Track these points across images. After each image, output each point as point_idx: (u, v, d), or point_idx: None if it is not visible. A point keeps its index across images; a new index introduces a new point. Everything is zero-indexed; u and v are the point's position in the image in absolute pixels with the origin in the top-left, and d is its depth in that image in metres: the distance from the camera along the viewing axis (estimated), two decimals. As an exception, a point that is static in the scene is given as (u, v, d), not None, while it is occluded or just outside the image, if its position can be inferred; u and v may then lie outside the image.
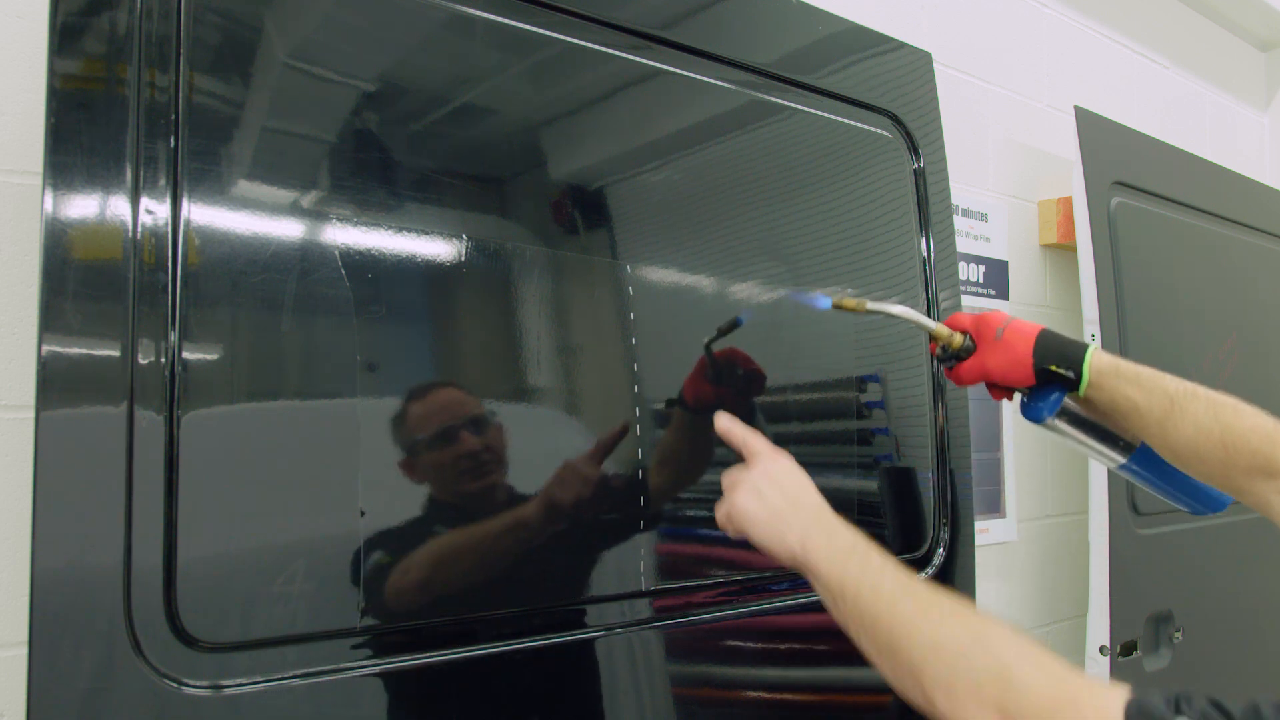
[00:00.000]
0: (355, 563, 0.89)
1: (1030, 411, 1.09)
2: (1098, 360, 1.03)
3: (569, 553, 1.07)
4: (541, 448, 1.05)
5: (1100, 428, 1.09)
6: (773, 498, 0.92)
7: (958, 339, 1.11)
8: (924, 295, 1.45)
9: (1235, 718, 0.63)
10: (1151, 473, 1.09)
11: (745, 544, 0.93)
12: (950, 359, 1.12)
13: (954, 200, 1.78)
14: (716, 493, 0.97)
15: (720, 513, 0.96)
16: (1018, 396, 1.12)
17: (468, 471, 0.99)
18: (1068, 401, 1.07)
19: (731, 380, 1.19)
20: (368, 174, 0.96)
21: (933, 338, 1.13)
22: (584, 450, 1.07)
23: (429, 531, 0.96)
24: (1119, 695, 0.66)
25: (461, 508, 0.99)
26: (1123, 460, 1.10)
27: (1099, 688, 0.69)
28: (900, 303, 1.22)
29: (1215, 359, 2.22)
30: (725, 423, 1.01)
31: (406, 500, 0.95)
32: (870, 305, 1.12)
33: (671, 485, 1.14)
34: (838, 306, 1.14)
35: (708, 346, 1.15)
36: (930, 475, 1.41)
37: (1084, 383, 1.03)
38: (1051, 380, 1.05)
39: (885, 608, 0.80)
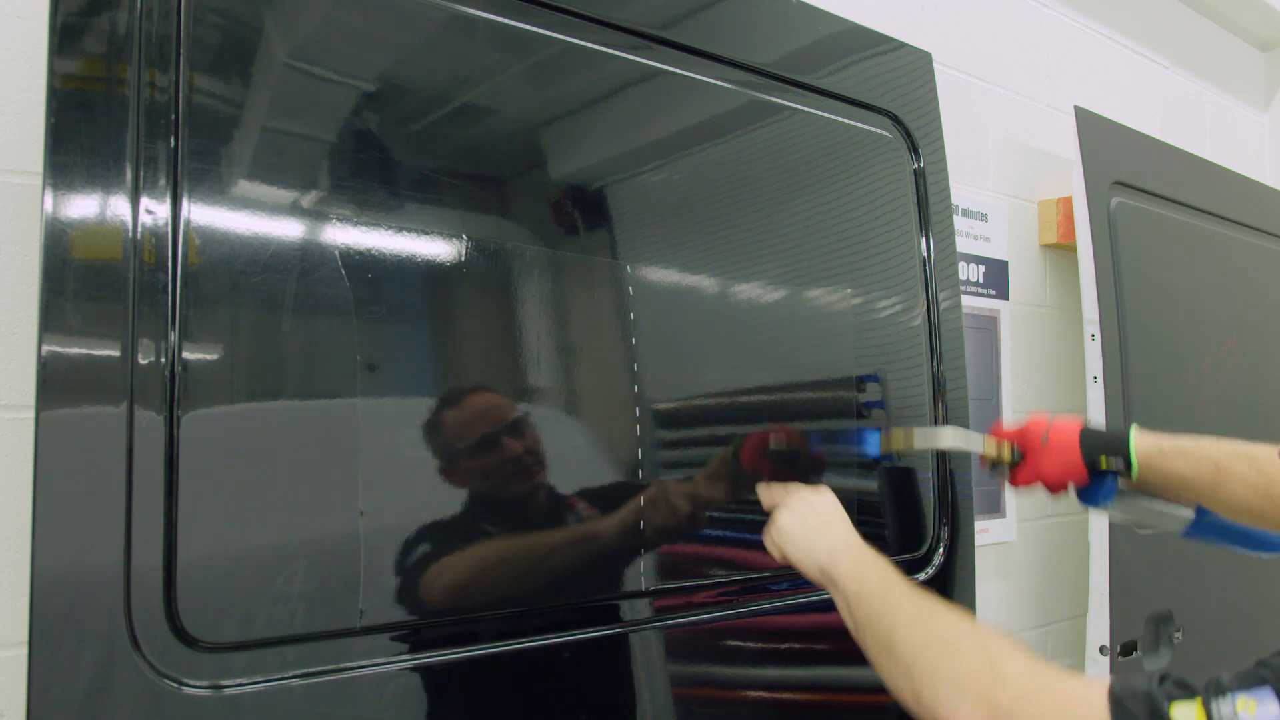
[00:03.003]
0: (354, 562, 0.89)
1: (1088, 500, 1.14)
2: (1142, 444, 1.09)
3: (579, 557, 1.07)
4: (552, 446, 1.05)
5: (1156, 502, 1.14)
6: (810, 519, 1.05)
7: (1006, 451, 1.16)
8: (924, 295, 1.45)
9: (1197, 689, 0.67)
10: (1213, 533, 1.14)
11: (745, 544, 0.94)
12: (1002, 468, 1.17)
13: (954, 200, 1.77)
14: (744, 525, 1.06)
15: (766, 535, 1.09)
16: (1071, 487, 1.16)
17: (514, 476, 1.02)
18: (1120, 484, 1.12)
19: (791, 465, 1.23)
20: (368, 174, 0.96)
21: (982, 455, 1.18)
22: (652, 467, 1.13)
23: (455, 533, 0.96)
24: (1099, 681, 0.71)
25: (499, 509, 1.02)
26: (1181, 530, 1.15)
27: (1077, 678, 0.74)
28: (922, 419, 1.32)
29: (1215, 359, 2.22)
30: (765, 486, 1.15)
31: (406, 500, 0.94)
32: (918, 442, 1.22)
33: (707, 521, 1.18)
34: (887, 451, 1.25)
35: (771, 449, 1.21)
36: (930, 475, 1.41)
37: (1134, 469, 1.09)
38: (1102, 471, 1.10)
39: (889, 609, 0.89)
